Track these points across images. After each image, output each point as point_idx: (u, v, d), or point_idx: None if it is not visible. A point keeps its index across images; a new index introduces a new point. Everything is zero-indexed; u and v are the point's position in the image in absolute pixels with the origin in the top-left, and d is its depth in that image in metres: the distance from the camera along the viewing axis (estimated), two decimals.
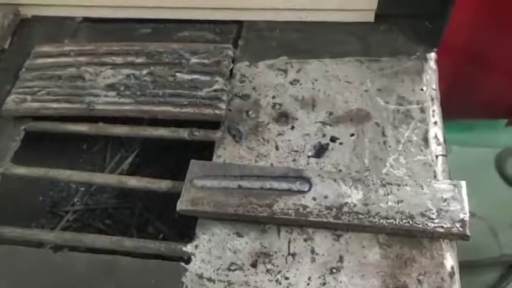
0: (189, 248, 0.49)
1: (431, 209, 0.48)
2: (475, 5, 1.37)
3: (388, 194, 0.50)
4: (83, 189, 0.72)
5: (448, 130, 1.81)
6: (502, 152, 1.67)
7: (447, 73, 1.56)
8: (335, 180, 0.51)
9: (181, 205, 0.50)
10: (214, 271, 0.48)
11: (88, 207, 0.70)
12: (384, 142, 0.55)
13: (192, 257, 0.49)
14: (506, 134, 1.74)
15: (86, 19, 0.73)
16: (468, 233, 0.47)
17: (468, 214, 0.48)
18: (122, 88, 0.60)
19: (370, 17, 0.66)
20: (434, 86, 0.60)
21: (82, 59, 0.64)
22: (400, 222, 0.48)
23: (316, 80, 0.61)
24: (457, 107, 1.69)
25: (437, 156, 0.54)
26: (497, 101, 1.67)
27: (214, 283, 0.47)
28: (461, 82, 1.60)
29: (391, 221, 0.48)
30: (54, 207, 0.70)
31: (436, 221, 0.48)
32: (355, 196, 0.50)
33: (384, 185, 0.50)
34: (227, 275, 0.47)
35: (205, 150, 0.57)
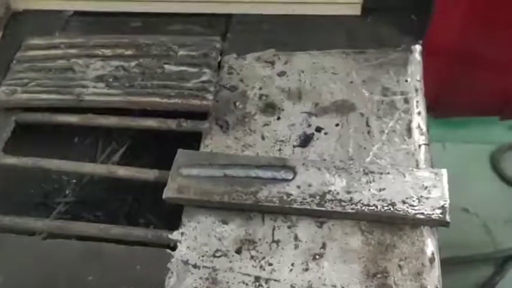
0: (175, 235, 0.50)
1: (413, 196, 0.49)
2: (466, 4, 1.38)
3: (370, 182, 0.51)
4: (74, 181, 0.73)
5: (442, 127, 1.81)
6: (497, 149, 1.69)
7: (439, 72, 1.57)
8: (319, 169, 0.52)
9: (168, 193, 0.51)
10: (199, 257, 0.49)
11: (79, 199, 0.71)
12: (368, 132, 0.56)
13: (178, 244, 0.50)
14: (500, 130, 1.75)
15: (77, 12, 0.74)
16: (448, 220, 0.48)
17: (448, 201, 0.49)
18: (111, 79, 0.61)
19: (357, 10, 0.67)
20: (418, 78, 0.61)
21: (72, 51, 0.65)
22: (382, 209, 0.49)
23: (303, 72, 0.62)
24: (450, 106, 1.71)
25: (420, 146, 0.55)
26: (489, 98, 1.68)
27: (199, 269, 0.48)
28: (453, 81, 1.61)
29: (373, 208, 0.49)
30: (46, 198, 0.71)
31: (416, 207, 0.49)
32: (338, 184, 0.51)
33: (366, 174, 0.51)
34: (212, 261, 0.48)
35: (196, 142, 0.58)
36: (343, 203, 0.50)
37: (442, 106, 1.73)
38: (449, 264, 1.42)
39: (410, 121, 0.57)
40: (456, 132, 1.77)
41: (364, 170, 0.51)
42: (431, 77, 1.76)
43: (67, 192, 0.72)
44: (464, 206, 1.56)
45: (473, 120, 1.75)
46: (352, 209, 0.49)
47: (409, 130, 0.56)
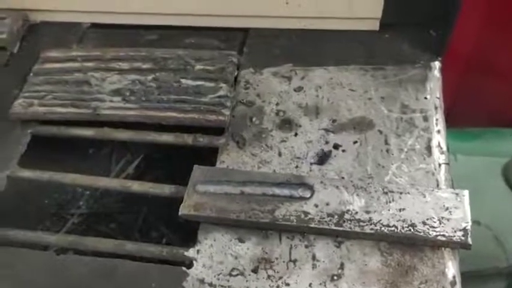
0: (190, 252, 0.50)
1: (433, 217, 0.48)
2: (482, 14, 1.38)
3: (390, 202, 0.50)
4: (88, 193, 0.73)
5: (454, 138, 1.80)
6: (510, 162, 1.66)
7: (454, 81, 1.56)
8: (337, 188, 0.51)
9: (184, 210, 0.51)
10: (215, 276, 0.48)
11: (93, 210, 0.71)
12: (387, 150, 0.55)
13: (194, 261, 0.49)
14: None
15: (94, 25, 0.74)
16: (470, 242, 0.47)
17: (470, 223, 0.48)
18: (128, 93, 0.61)
19: (375, 26, 0.66)
20: (438, 95, 0.60)
21: (89, 64, 0.65)
22: (402, 230, 0.48)
23: (320, 88, 0.62)
24: (464, 115, 1.69)
25: (440, 165, 0.54)
26: (503, 109, 1.67)
27: (214, 287, 0.47)
28: (468, 90, 1.60)
29: (393, 228, 0.48)
30: (60, 209, 0.70)
31: (437, 229, 0.48)
32: (357, 203, 0.50)
33: (386, 193, 0.50)
34: (228, 280, 0.48)
35: (212, 156, 0.58)
36: (361, 223, 0.49)
37: (455, 115, 1.71)
38: (461, 278, 1.39)
39: (430, 139, 0.56)
40: (468, 144, 1.75)
41: (383, 189, 0.51)
42: (447, 86, 1.75)
43: (81, 203, 0.72)
44: (476, 219, 1.54)
45: (485, 132, 1.73)
46: (371, 229, 0.48)
47: (428, 149, 0.55)
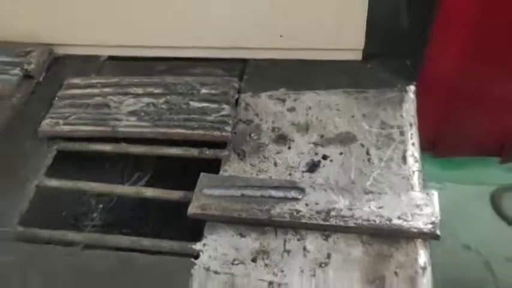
0: (198, 246, 0.57)
1: (407, 213, 0.56)
2: (463, 46, 1.48)
3: (370, 201, 0.58)
4: (101, 206, 0.80)
5: (443, 168, 1.88)
6: (497, 190, 1.74)
7: (438, 111, 1.65)
8: (325, 190, 0.59)
9: (192, 209, 0.59)
10: (219, 265, 0.55)
11: (107, 222, 0.78)
12: (368, 160, 0.64)
13: (200, 253, 0.56)
14: (500, 171, 1.82)
15: (110, 57, 0.83)
16: (438, 233, 0.55)
17: (439, 218, 0.56)
18: (142, 114, 0.69)
19: (359, 56, 0.76)
20: (412, 113, 0.69)
21: (107, 89, 0.74)
22: (380, 223, 0.56)
23: (310, 108, 0.71)
24: (448, 145, 1.79)
25: (413, 172, 0.62)
26: (488, 138, 1.76)
27: (219, 275, 0.55)
28: (451, 120, 1.70)
29: (372, 222, 0.56)
30: (76, 221, 0.78)
31: (410, 222, 0.56)
32: (342, 202, 0.58)
33: (367, 193, 0.58)
34: (230, 268, 0.55)
35: (213, 169, 0.65)
36: (345, 219, 0.56)
37: (441, 145, 1.80)
38: None
39: (405, 150, 0.64)
40: (456, 173, 1.83)
41: (364, 191, 0.59)
42: (430, 116, 1.85)
43: (95, 215, 0.79)
44: (466, 244, 1.61)
45: (472, 162, 1.81)
46: (354, 223, 0.56)
47: (404, 158, 0.64)
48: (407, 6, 0.68)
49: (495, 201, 1.72)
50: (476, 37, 1.46)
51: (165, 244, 0.59)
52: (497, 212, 1.72)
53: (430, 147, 1.81)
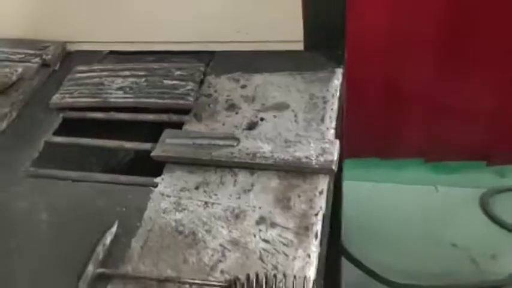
0: (158, 179, 0.76)
1: (313, 155, 0.74)
2: (436, 62, 1.65)
3: (288, 147, 0.76)
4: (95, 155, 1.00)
5: (435, 172, 2.05)
6: (486, 192, 1.88)
7: (425, 123, 1.82)
8: (255, 139, 0.78)
9: (155, 152, 0.78)
10: (171, 191, 0.74)
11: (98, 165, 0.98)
12: (295, 121, 0.82)
13: (159, 184, 0.76)
14: (488, 175, 1.96)
15: (111, 52, 1.05)
16: (334, 168, 0.73)
17: (336, 159, 0.74)
18: (127, 89, 0.90)
19: (301, 47, 0.95)
20: (336, 89, 0.87)
21: (104, 73, 0.95)
22: (291, 161, 0.74)
23: (259, 86, 0.90)
24: (439, 150, 1.94)
25: (327, 128, 0.80)
26: (473, 144, 1.90)
27: (170, 197, 0.73)
28: (439, 129, 1.86)
29: (286, 161, 0.74)
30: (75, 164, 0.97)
31: (314, 161, 0.73)
32: (266, 148, 0.76)
33: (286, 142, 0.76)
34: (179, 193, 0.74)
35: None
36: (267, 159, 0.75)
37: (432, 151, 1.96)
38: None
39: (324, 114, 0.82)
40: (447, 177, 1.97)
41: (285, 141, 0.77)
42: (419, 125, 2.02)
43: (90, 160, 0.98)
44: (454, 242, 1.74)
45: (462, 166, 1.95)
46: (273, 162, 0.74)
47: (322, 119, 0.82)
48: (330, 6, 0.87)
49: (484, 203, 1.85)
50: (445, 54, 1.62)
51: (135, 179, 0.78)
52: (486, 213, 1.85)
53: (422, 153, 1.97)
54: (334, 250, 1.22)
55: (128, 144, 0.84)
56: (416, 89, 1.70)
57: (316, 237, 0.65)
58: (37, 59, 0.99)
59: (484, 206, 1.83)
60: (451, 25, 1.46)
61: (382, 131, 1.82)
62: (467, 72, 1.67)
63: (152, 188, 0.75)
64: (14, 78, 0.93)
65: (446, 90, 1.72)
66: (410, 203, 1.83)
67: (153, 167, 0.79)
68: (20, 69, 0.95)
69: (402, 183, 1.89)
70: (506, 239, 1.70)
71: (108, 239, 0.68)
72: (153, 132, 0.87)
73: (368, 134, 1.82)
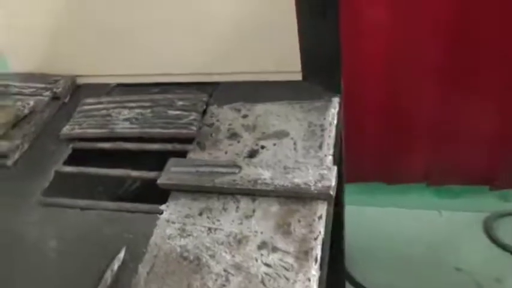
0: (163, 207, 0.80)
1: (312, 181, 0.77)
2: (438, 85, 1.68)
3: (287, 174, 0.79)
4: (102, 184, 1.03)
5: (439, 196, 2.06)
6: (489, 216, 1.89)
7: (429, 148, 1.84)
8: (255, 167, 0.81)
9: (161, 180, 0.81)
10: (175, 218, 0.77)
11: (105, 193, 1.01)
12: (294, 148, 0.85)
13: (164, 211, 0.79)
14: (491, 199, 1.98)
15: (119, 84, 1.10)
16: (332, 194, 0.75)
17: (333, 184, 0.76)
18: (133, 120, 0.94)
19: (299, 77, 0.99)
20: (333, 117, 0.90)
21: (111, 105, 0.99)
22: (291, 188, 0.77)
23: (259, 115, 0.94)
24: (443, 175, 1.96)
25: (325, 155, 0.83)
26: (475, 168, 1.92)
27: (175, 224, 0.77)
28: (442, 154, 1.88)
29: (285, 187, 0.77)
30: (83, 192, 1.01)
31: (312, 187, 0.76)
32: (267, 175, 0.79)
33: (285, 169, 0.80)
34: (183, 220, 0.77)
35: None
36: (268, 186, 0.78)
37: (435, 175, 1.98)
38: None
39: (322, 141, 0.86)
40: (451, 201, 1.99)
41: (284, 168, 0.80)
42: (423, 150, 2.04)
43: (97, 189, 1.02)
44: (458, 266, 1.75)
45: (465, 190, 1.97)
46: (273, 188, 0.77)
47: (320, 146, 0.85)
48: (325, 38, 0.91)
49: (487, 227, 1.87)
50: (446, 84, 1.65)
51: (141, 206, 0.81)
52: (489, 236, 1.86)
53: (425, 177, 1.99)
54: (337, 275, 1.24)
55: (135, 173, 0.88)
56: (419, 114, 1.73)
57: (316, 261, 0.68)
58: (48, 93, 1.04)
59: (488, 230, 1.84)
60: (453, 50, 1.50)
61: (385, 155, 1.85)
62: (469, 97, 1.69)
63: (158, 215, 0.78)
64: (26, 111, 0.98)
65: (449, 115, 1.75)
66: (414, 228, 1.84)
67: (158, 194, 0.82)
68: (31, 103, 0.99)
69: (405, 207, 1.91)
70: (511, 262, 1.71)
71: (115, 265, 0.71)
72: (158, 160, 0.90)
73: (371, 158, 1.85)
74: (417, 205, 1.91)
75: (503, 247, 1.75)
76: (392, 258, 1.73)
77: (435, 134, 1.80)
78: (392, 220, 1.88)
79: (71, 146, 0.95)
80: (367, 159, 1.80)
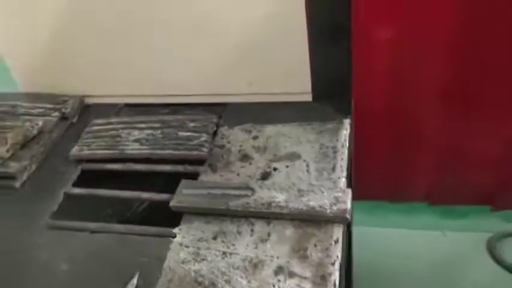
0: (176, 230, 0.78)
1: (327, 203, 0.77)
2: (443, 106, 1.68)
3: (302, 197, 0.78)
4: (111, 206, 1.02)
5: (443, 217, 2.06)
6: (492, 237, 1.89)
7: (432, 167, 1.84)
8: (269, 189, 0.80)
9: (173, 203, 0.81)
10: (189, 241, 0.76)
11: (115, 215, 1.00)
12: (307, 170, 0.85)
13: (177, 234, 0.78)
14: (494, 220, 1.98)
15: (126, 104, 1.09)
16: (348, 217, 0.75)
17: (349, 207, 0.76)
18: (144, 141, 0.94)
19: (309, 98, 0.99)
20: (345, 138, 0.90)
21: (120, 126, 0.99)
22: (306, 211, 0.76)
23: (270, 137, 0.93)
24: (445, 195, 1.96)
25: (339, 177, 0.83)
26: (478, 189, 1.93)
27: (188, 248, 0.76)
28: (446, 174, 1.88)
29: (300, 210, 0.76)
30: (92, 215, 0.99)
31: (328, 210, 0.76)
32: (280, 197, 0.79)
33: (299, 191, 0.79)
34: (197, 244, 0.76)
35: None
36: (283, 209, 0.77)
37: (438, 195, 1.97)
38: None
39: (335, 163, 0.85)
40: (455, 222, 1.98)
41: (298, 190, 0.80)
42: (424, 169, 2.03)
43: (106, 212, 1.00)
44: (463, 287, 1.74)
45: (469, 211, 1.97)
46: (288, 211, 0.77)
47: (334, 168, 0.84)
48: (336, 60, 0.91)
49: (491, 247, 1.86)
50: (449, 106, 1.65)
51: (154, 229, 0.80)
52: (493, 257, 1.86)
53: (428, 196, 1.98)
54: None
55: (145, 195, 0.87)
56: (424, 134, 1.74)
57: (334, 286, 0.67)
58: (56, 113, 1.03)
59: (491, 250, 1.84)
60: (458, 71, 1.50)
61: (388, 174, 1.85)
62: (474, 118, 1.70)
63: (171, 239, 0.77)
64: (35, 131, 0.97)
65: (453, 136, 1.76)
66: (418, 248, 1.84)
67: (166, 216, 0.81)
68: (40, 123, 0.99)
69: (410, 228, 1.90)
70: None
71: None
72: (166, 181, 0.90)
73: (375, 176, 1.84)
74: (421, 226, 1.91)
75: (507, 267, 1.74)
76: (397, 279, 1.72)
77: (438, 154, 1.81)
78: (396, 241, 1.87)
79: (80, 167, 0.94)
80: (370, 177, 1.80)
